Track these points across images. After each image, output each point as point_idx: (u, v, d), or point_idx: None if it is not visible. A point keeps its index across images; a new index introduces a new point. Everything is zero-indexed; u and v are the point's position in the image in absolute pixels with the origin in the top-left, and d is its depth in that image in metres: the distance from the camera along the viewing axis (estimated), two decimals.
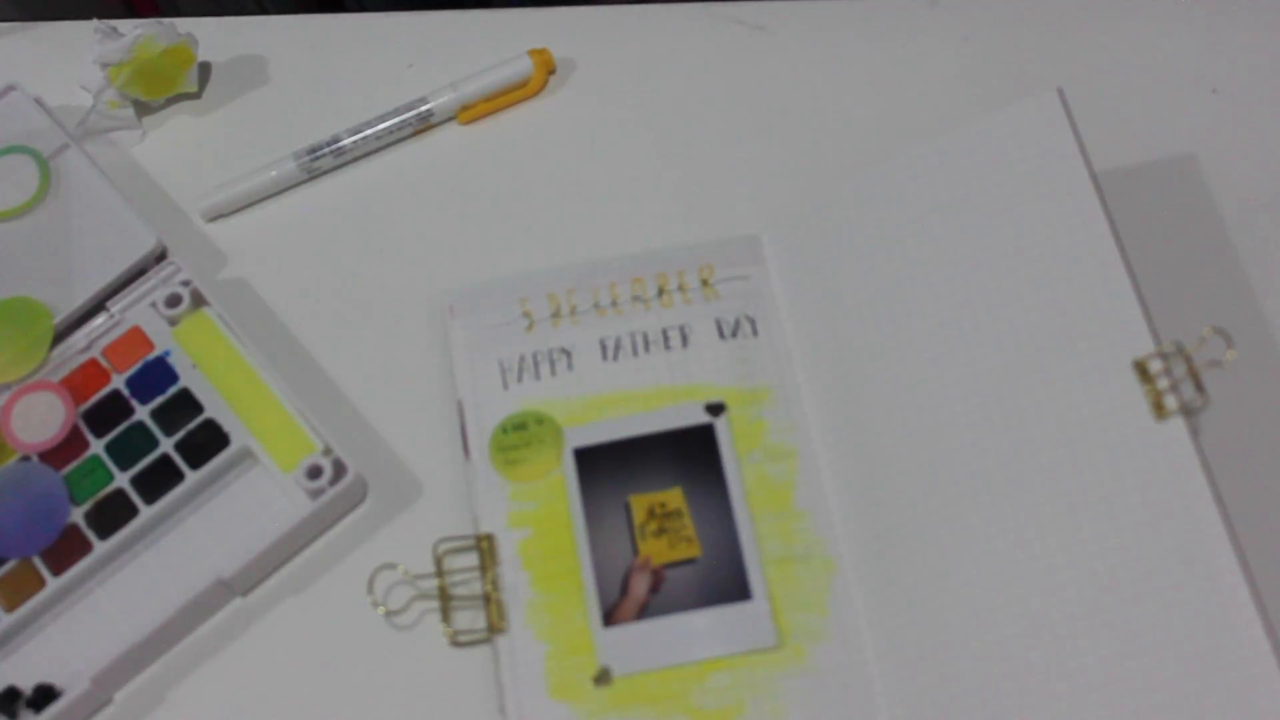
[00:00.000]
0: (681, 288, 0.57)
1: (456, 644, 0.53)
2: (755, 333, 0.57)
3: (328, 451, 0.55)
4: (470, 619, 0.53)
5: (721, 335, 0.57)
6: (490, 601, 0.52)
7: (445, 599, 0.53)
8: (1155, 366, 0.48)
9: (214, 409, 0.57)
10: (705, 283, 0.58)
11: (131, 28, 0.63)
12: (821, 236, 0.57)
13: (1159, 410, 0.48)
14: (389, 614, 0.54)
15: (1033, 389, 0.50)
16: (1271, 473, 0.53)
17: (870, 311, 0.55)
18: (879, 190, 0.56)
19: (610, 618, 0.52)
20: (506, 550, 0.53)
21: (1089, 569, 0.47)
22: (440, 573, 0.53)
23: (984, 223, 0.53)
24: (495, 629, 0.52)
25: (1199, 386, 0.47)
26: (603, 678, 0.51)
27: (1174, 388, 0.48)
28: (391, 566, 0.54)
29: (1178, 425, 0.47)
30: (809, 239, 0.57)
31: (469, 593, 0.53)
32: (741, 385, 0.56)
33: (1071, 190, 0.51)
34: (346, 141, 0.63)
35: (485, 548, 0.53)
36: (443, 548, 0.54)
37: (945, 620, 0.49)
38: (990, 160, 0.53)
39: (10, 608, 0.53)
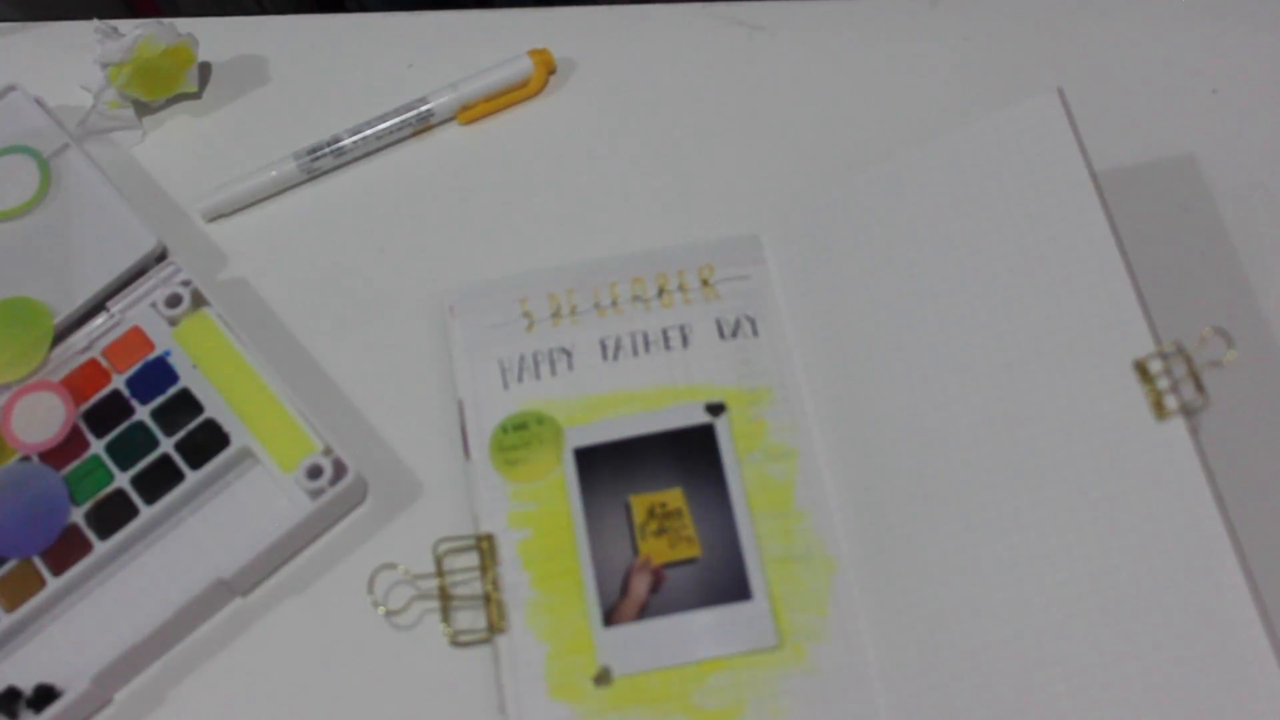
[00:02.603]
0: (682, 288, 0.57)
1: (457, 644, 0.53)
2: (755, 333, 0.57)
3: (328, 451, 0.55)
4: (471, 619, 0.53)
5: (722, 335, 0.57)
6: (490, 601, 0.52)
7: (445, 599, 0.53)
8: (1155, 367, 0.48)
9: (214, 409, 0.57)
10: (705, 283, 0.58)
11: (132, 28, 0.63)
12: (822, 236, 0.57)
13: (1159, 410, 0.48)
14: (389, 614, 0.54)
15: (1033, 389, 0.50)
16: (1271, 472, 0.53)
17: (871, 311, 0.55)
18: (879, 190, 0.56)
19: (610, 618, 0.52)
20: (507, 550, 0.53)
21: (1089, 569, 0.47)
22: (440, 573, 0.54)
23: (984, 223, 0.53)
24: (495, 629, 0.52)
25: (1199, 387, 0.48)
26: (603, 678, 0.51)
27: (1174, 388, 0.48)
28: (392, 567, 0.54)
29: (1178, 425, 0.48)
30: (809, 239, 0.57)
31: (469, 593, 0.53)
32: (742, 385, 0.56)
33: (1072, 191, 0.51)
34: (346, 141, 0.63)
35: (485, 548, 0.53)
36: (443, 548, 0.54)
37: (945, 620, 0.49)
38: (990, 160, 0.53)
39: (11, 608, 0.53)
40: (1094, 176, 0.51)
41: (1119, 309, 0.49)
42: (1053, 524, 0.48)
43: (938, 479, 0.51)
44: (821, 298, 0.56)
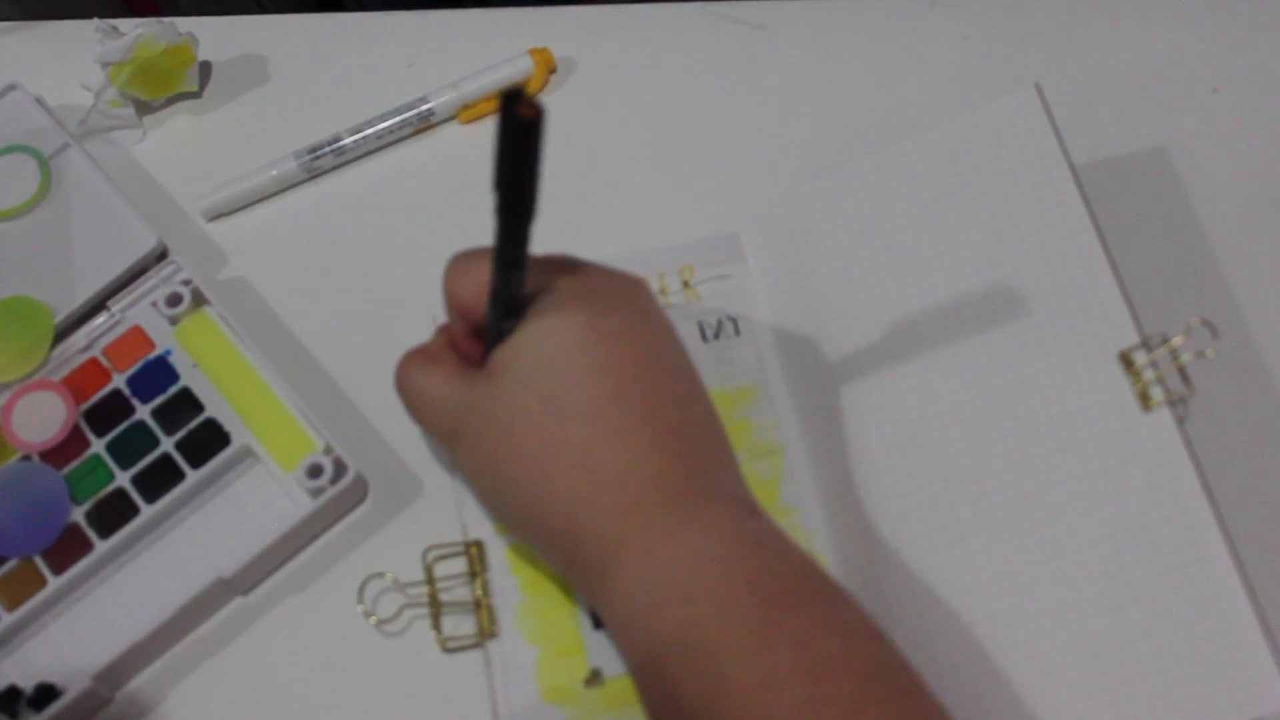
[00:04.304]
0: (663, 290, 0.57)
1: (448, 650, 0.53)
2: (738, 332, 0.57)
3: (328, 450, 0.55)
4: (463, 625, 0.53)
5: (704, 338, 0.57)
6: (480, 607, 0.53)
7: (436, 606, 0.53)
8: (1140, 358, 0.48)
9: (215, 408, 0.57)
10: (686, 284, 0.58)
11: (132, 27, 0.63)
12: (802, 233, 0.57)
13: (1145, 401, 0.48)
14: (380, 623, 0.54)
15: (1018, 382, 0.50)
16: (1254, 460, 0.54)
17: (852, 307, 0.55)
18: (859, 187, 0.56)
19: (600, 620, 0.52)
20: (495, 555, 0.54)
21: (1080, 561, 0.48)
22: (430, 580, 0.54)
23: (965, 219, 0.53)
24: (486, 634, 0.52)
25: (1185, 377, 0.48)
26: (594, 679, 0.51)
27: (1160, 379, 0.48)
28: (380, 575, 0.54)
29: (1164, 416, 0.48)
30: (789, 236, 0.57)
31: (460, 599, 0.53)
32: (725, 386, 0.56)
33: (1052, 185, 0.52)
34: (347, 141, 0.64)
35: (474, 554, 0.54)
36: (432, 555, 0.54)
37: (933, 614, 0.49)
38: (970, 157, 0.53)
39: (11, 607, 0.53)
40: (1074, 171, 0.51)
41: (1102, 301, 0.50)
42: (1042, 516, 0.49)
43: (922, 475, 0.51)
44: (802, 294, 0.56)
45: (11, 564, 0.54)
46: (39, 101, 0.63)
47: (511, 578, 0.53)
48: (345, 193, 0.64)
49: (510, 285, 0.45)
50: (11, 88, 0.63)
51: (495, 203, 0.40)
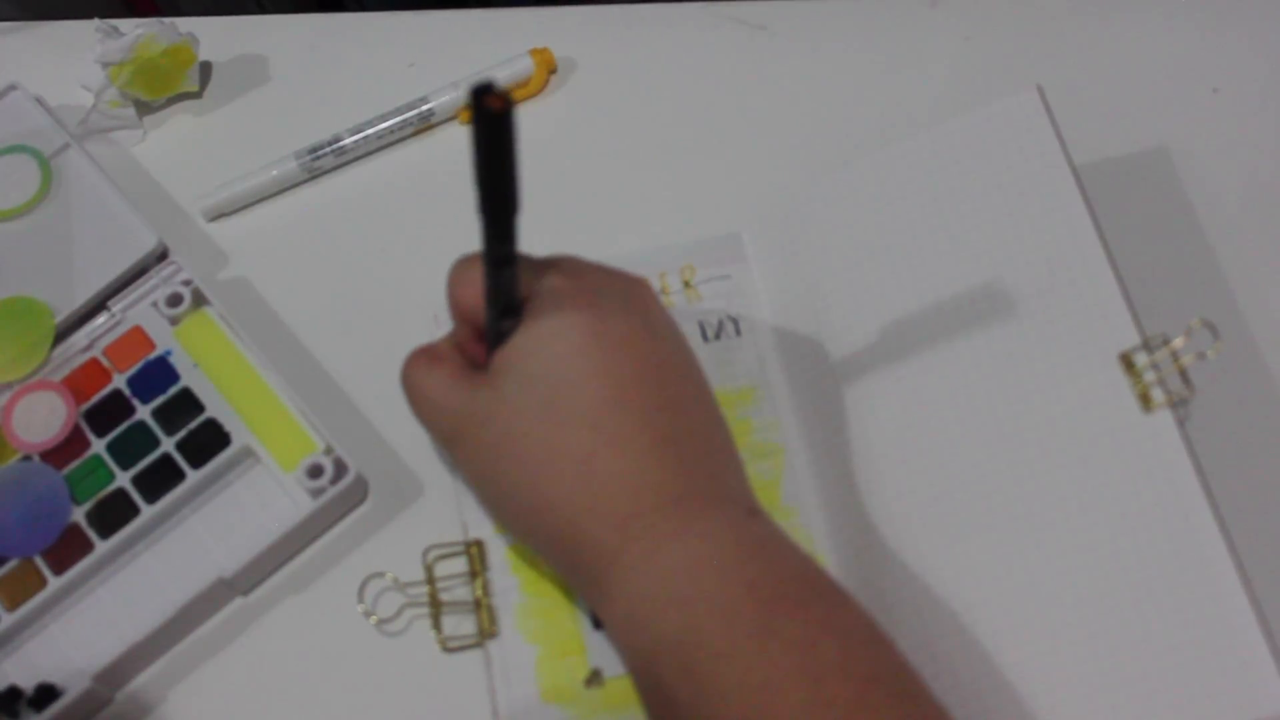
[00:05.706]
0: (664, 290, 0.58)
1: (448, 650, 0.53)
2: (738, 332, 0.57)
3: (329, 451, 0.55)
4: (463, 625, 0.53)
5: (705, 338, 0.57)
6: (481, 607, 0.53)
7: (436, 605, 0.53)
8: (1141, 359, 0.48)
9: (215, 408, 0.57)
10: (687, 284, 0.58)
11: (132, 27, 0.63)
12: (802, 233, 0.57)
13: (1146, 402, 0.48)
14: (381, 622, 0.54)
15: (1018, 384, 0.50)
16: (1254, 461, 0.54)
17: (853, 307, 0.55)
18: (860, 186, 0.56)
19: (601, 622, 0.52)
20: (496, 555, 0.54)
21: (1080, 561, 0.48)
22: (431, 579, 0.54)
23: (966, 219, 0.53)
24: (486, 634, 0.52)
25: (1185, 378, 0.48)
26: (594, 679, 0.51)
27: (1161, 380, 0.48)
28: (380, 575, 0.54)
29: (1165, 417, 0.48)
30: (789, 235, 0.57)
31: (460, 598, 0.53)
32: (725, 386, 0.56)
33: (1053, 186, 0.52)
34: (348, 141, 0.63)
35: (475, 553, 0.54)
36: (433, 555, 0.54)
37: (933, 614, 0.49)
38: (971, 157, 0.53)
39: (12, 607, 0.53)
40: (1075, 171, 0.51)
41: (1103, 302, 0.50)
42: (1042, 517, 0.49)
43: (922, 475, 0.51)
44: (803, 294, 0.56)
45: (11, 564, 0.54)
46: (39, 101, 0.63)
47: (511, 577, 0.53)
48: (345, 193, 0.64)
49: (503, 284, 0.45)
50: (11, 88, 0.63)
51: (477, 200, 0.40)
